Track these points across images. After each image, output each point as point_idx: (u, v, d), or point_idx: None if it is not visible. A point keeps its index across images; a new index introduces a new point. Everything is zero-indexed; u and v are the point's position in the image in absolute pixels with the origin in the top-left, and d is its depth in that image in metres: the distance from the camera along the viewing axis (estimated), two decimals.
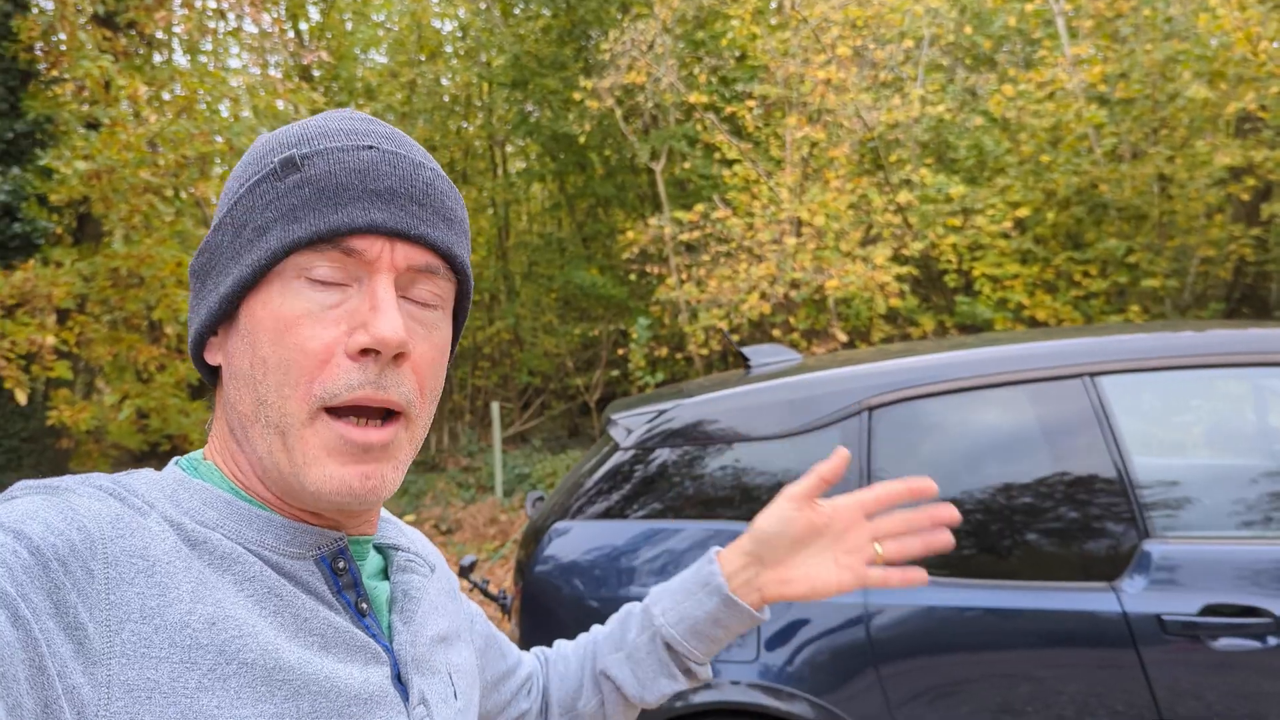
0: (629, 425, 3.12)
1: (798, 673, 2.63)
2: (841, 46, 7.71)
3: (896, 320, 8.62)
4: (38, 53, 7.86)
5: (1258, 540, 2.49)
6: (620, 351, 10.58)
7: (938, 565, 2.63)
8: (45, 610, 0.55)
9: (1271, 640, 2.34)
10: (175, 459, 0.76)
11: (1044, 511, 2.61)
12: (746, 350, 3.60)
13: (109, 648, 0.57)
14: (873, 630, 2.59)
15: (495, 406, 9.98)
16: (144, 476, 0.70)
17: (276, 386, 0.68)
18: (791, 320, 8.46)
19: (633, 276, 10.99)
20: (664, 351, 9.49)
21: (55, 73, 7.81)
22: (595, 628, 1.11)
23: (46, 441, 9.11)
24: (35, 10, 8.11)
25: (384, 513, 0.89)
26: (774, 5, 9.06)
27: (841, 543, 0.99)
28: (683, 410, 3.08)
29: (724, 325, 8.29)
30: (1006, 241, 7.88)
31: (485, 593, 3.35)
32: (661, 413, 3.09)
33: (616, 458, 3.07)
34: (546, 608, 2.96)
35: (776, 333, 8.63)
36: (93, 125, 8.14)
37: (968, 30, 8.78)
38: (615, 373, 11.37)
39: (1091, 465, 2.60)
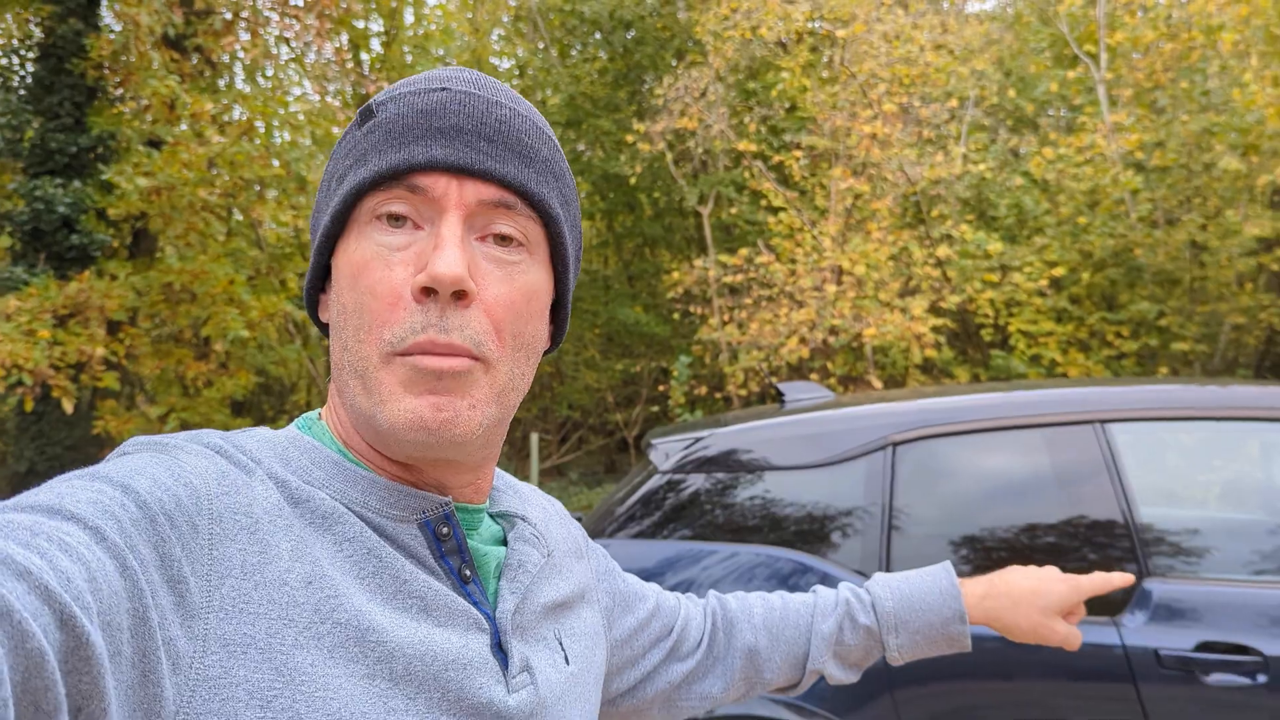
0: (667, 450, 3.33)
1: (820, 691, 2.80)
2: (888, 103, 7.98)
3: (932, 371, 8.78)
4: (105, 70, 8.10)
5: (1250, 583, 2.66)
6: (660, 388, 10.80)
7: None
8: (152, 562, 0.55)
9: (1260, 678, 2.50)
10: (298, 418, 0.77)
11: (1056, 549, 2.80)
12: (783, 386, 3.82)
13: (208, 602, 0.58)
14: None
15: (534, 438, 10.21)
16: (258, 434, 0.71)
17: (354, 331, 0.68)
18: (829, 366, 8.65)
19: (676, 316, 11.24)
20: (704, 390, 9.70)
21: (122, 90, 8.09)
22: (798, 606, 1.13)
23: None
24: (106, 30, 8.38)
25: (508, 482, 0.90)
26: (825, 60, 9.37)
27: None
28: (717, 439, 3.29)
29: (764, 367, 8.52)
30: (1042, 299, 8.05)
31: None
32: (698, 439, 3.31)
33: (654, 481, 3.28)
34: None
35: (814, 377, 8.79)
36: (154, 143, 8.31)
37: (1011, 93, 9.02)
38: (654, 409, 11.57)
39: (1099, 506, 2.79)
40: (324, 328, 0.78)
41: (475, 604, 0.73)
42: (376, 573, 0.66)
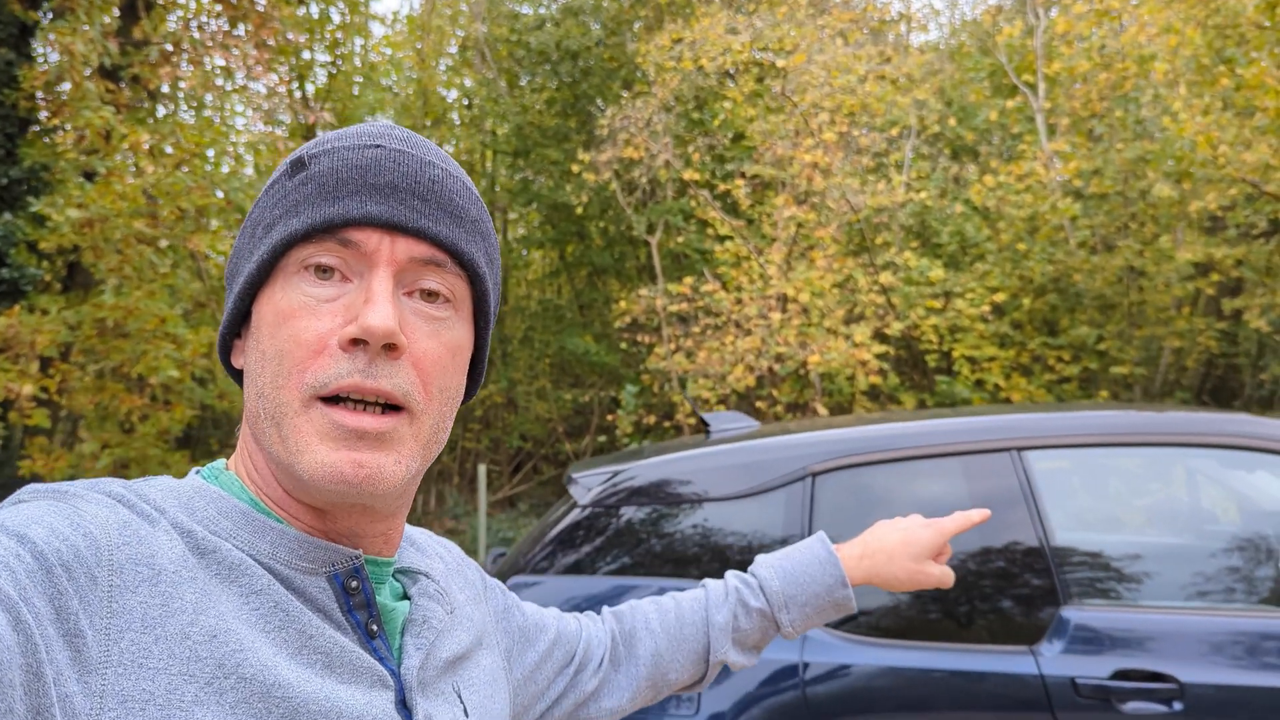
0: (587, 484, 3.28)
1: None
2: (828, 132, 8.05)
3: (879, 398, 8.81)
4: (39, 101, 7.90)
5: (1166, 610, 2.64)
6: (610, 418, 10.75)
7: (881, 629, 2.77)
8: (47, 616, 0.54)
9: (1176, 705, 2.48)
10: (196, 468, 0.77)
11: (974, 576, 2.77)
12: (707, 416, 3.78)
13: (106, 656, 0.56)
14: (808, 688, 2.71)
15: (482, 469, 10.10)
16: (161, 483, 0.70)
17: (273, 377, 0.68)
18: (775, 393, 8.65)
19: (625, 345, 11.21)
20: (652, 419, 9.66)
21: (55, 121, 7.87)
22: (690, 603, 1.15)
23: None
24: (40, 60, 8.22)
25: (411, 536, 0.90)
26: (773, 90, 9.44)
27: None
28: (641, 471, 3.24)
29: (710, 396, 8.49)
30: (985, 325, 8.12)
31: None
32: (618, 472, 3.26)
33: (574, 515, 3.22)
34: None
35: (761, 405, 8.80)
36: (89, 175, 8.13)
37: (952, 122, 9.15)
38: (603, 439, 11.52)
39: (1017, 533, 2.77)
40: (236, 375, 0.78)
41: (381, 660, 0.73)
42: (283, 627, 0.66)
